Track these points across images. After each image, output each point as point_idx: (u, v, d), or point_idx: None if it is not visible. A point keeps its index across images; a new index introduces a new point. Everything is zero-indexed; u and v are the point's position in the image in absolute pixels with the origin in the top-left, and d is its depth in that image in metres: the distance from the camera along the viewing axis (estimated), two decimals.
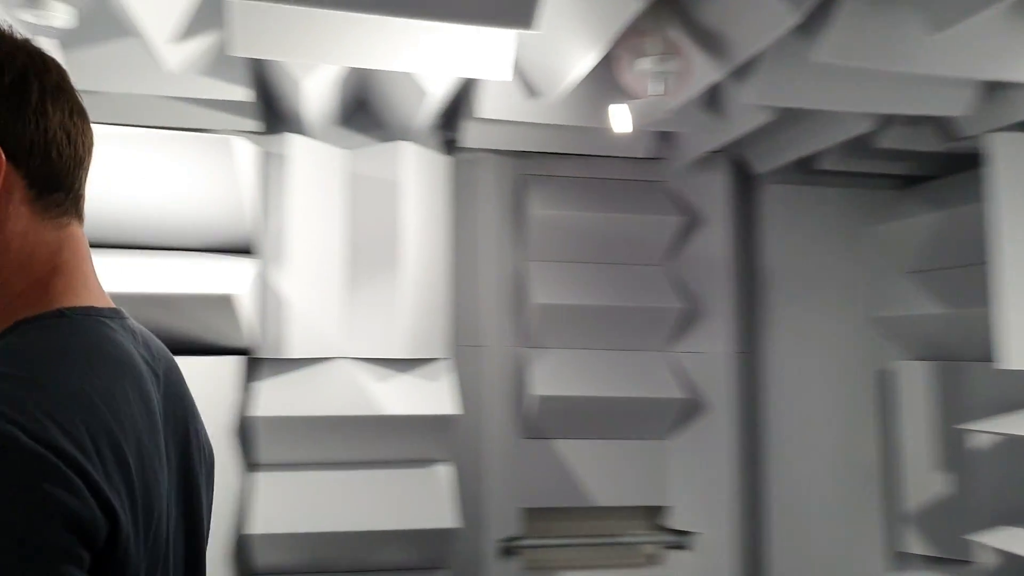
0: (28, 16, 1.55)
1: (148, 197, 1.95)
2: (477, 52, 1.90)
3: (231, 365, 2.13)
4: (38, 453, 0.59)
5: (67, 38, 1.79)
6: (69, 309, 0.74)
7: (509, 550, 2.65)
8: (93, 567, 0.62)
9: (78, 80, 1.86)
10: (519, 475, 2.66)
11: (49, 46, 1.57)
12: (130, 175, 1.87)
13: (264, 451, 2.19)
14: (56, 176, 0.76)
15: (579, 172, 2.76)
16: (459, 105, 2.44)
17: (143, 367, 0.77)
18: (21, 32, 0.75)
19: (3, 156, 0.71)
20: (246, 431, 2.16)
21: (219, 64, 2.03)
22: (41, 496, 0.58)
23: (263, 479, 2.19)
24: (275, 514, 2.14)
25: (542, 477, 2.70)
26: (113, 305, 0.80)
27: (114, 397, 0.69)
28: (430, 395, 2.31)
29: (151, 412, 0.75)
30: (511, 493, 2.64)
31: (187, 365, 1.84)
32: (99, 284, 0.81)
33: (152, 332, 1.42)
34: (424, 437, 2.30)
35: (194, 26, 1.82)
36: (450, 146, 2.57)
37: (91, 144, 0.82)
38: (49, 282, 0.75)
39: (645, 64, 1.89)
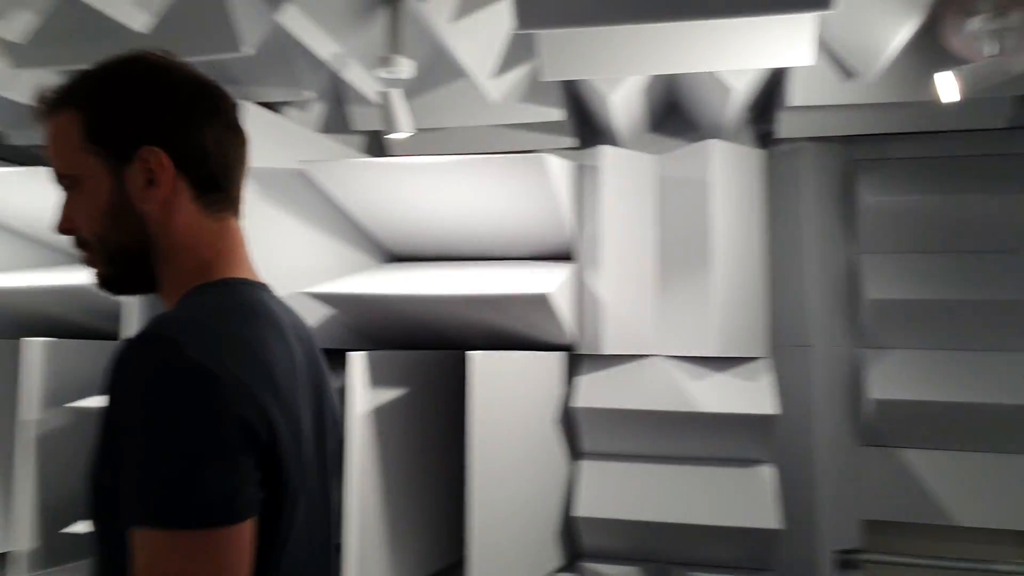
0: (382, 73, 1.91)
1: (479, 215, 2.24)
2: (776, 41, 1.85)
3: (556, 360, 2.34)
4: (215, 374, 0.82)
5: (411, 86, 2.15)
6: (229, 279, 0.97)
7: (848, 563, 2.48)
8: (259, 462, 0.85)
9: (423, 120, 2.21)
10: (857, 484, 2.48)
11: (398, 95, 1.92)
12: (464, 198, 2.17)
13: (587, 440, 2.36)
14: (214, 180, 0.98)
15: (920, 152, 2.48)
16: (772, 96, 2.38)
17: (286, 326, 0.97)
18: (194, 65, 0.98)
19: (171, 164, 0.94)
20: (570, 421, 2.36)
21: (535, 90, 2.25)
22: (220, 403, 0.82)
23: (587, 466, 2.36)
24: (598, 499, 2.30)
25: (886, 488, 2.48)
26: (262, 281, 1.01)
27: (263, 341, 0.90)
28: (747, 394, 2.28)
29: (293, 361, 0.95)
30: (848, 503, 2.47)
31: (519, 359, 2.08)
32: (251, 264, 1.02)
33: (485, 329, 1.71)
34: (742, 436, 2.27)
35: (509, 60, 2.06)
36: (767, 139, 2.51)
37: (243, 155, 1.03)
38: (212, 261, 0.98)
39: (976, 24, 1.66)
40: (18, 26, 1.67)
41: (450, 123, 2.32)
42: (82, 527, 2.05)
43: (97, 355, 2.22)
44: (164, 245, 0.96)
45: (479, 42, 1.89)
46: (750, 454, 2.30)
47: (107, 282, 1.00)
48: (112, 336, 2.16)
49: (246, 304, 0.94)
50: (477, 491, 1.88)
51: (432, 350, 2.25)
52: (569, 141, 2.51)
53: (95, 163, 0.94)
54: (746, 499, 2.25)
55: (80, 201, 0.97)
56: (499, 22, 1.84)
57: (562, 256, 2.39)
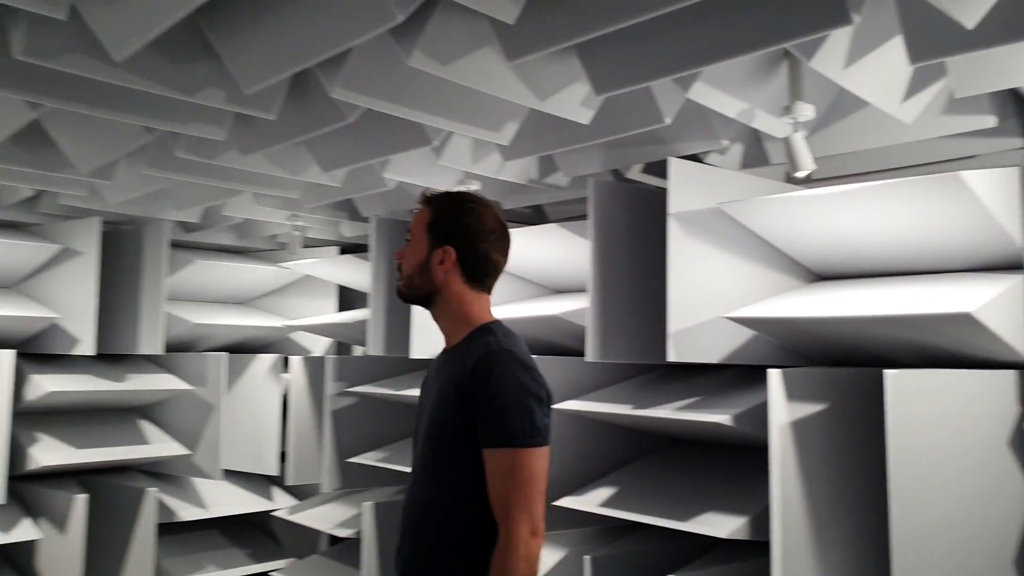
0: (786, 119, 2.10)
1: (902, 234, 2.24)
2: None
3: (1003, 379, 2.20)
4: (532, 365, 1.66)
5: (825, 115, 2.29)
6: (498, 320, 1.76)
7: None
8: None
9: (827, 148, 2.35)
10: None
11: (799, 138, 2.09)
12: (882, 220, 2.20)
13: None
14: (477, 275, 1.76)
15: None
16: None
17: None
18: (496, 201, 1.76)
19: (455, 258, 1.72)
20: None
21: (956, 102, 2.18)
22: (538, 379, 1.65)
23: None
24: None
25: None
26: None
27: (530, 354, 1.69)
28: None
29: None
30: None
31: (948, 378, 2.07)
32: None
33: (913, 346, 2.15)
34: None
35: (916, 84, 2.06)
36: None
37: (500, 266, 1.78)
38: (476, 313, 1.75)
39: None
40: (507, 133, 2.31)
41: (863, 146, 2.37)
42: None
43: (568, 367, 2.81)
44: (443, 296, 1.75)
45: (879, 78, 1.96)
46: None
47: (402, 295, 1.80)
48: (579, 352, 2.71)
49: (514, 332, 1.74)
50: (898, 511, 1.93)
51: (854, 367, 2.33)
52: (1016, 142, 2.33)
53: (425, 238, 1.75)
54: None
55: (410, 249, 1.78)
56: (895, 54, 1.89)
57: (1012, 265, 2.24)
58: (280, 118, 2.20)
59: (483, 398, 1.59)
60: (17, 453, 3.51)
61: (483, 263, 1.75)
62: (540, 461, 1.59)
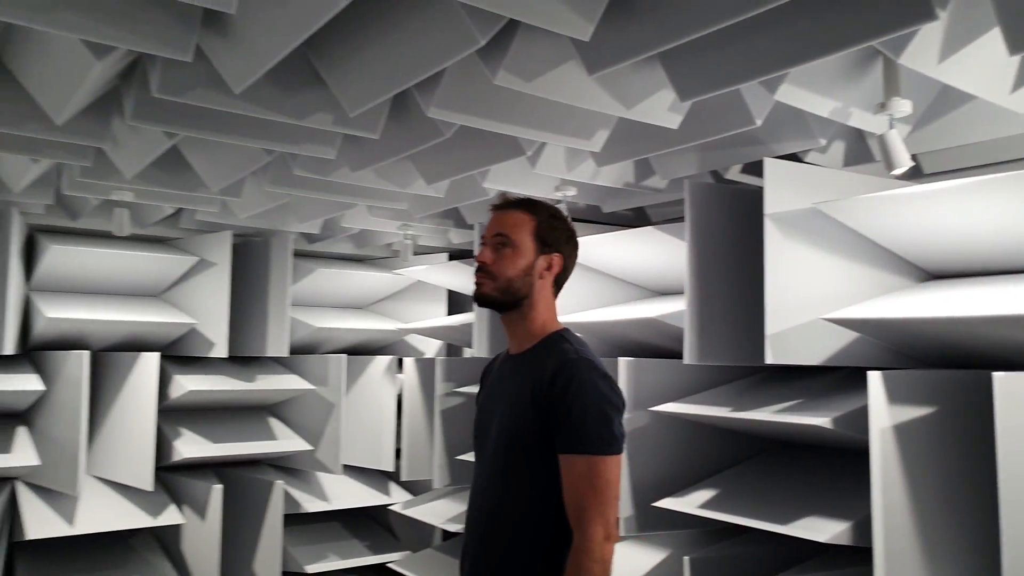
0: (882, 115, 2.04)
1: (1019, 229, 2.14)
2: None
3: None
4: (608, 374, 1.69)
5: (930, 109, 2.22)
6: (568, 327, 1.82)
7: None
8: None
9: (935, 143, 2.27)
10: None
11: (893, 136, 2.03)
12: (998, 215, 2.10)
13: None
14: (560, 283, 1.84)
15: None
16: None
17: None
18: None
19: (561, 263, 1.81)
20: None
21: None
22: (616, 388, 1.69)
23: None
24: None
25: None
26: None
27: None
28: None
29: None
30: None
31: None
32: None
33: None
34: None
35: None
36: None
37: (573, 268, 1.87)
38: (553, 322, 1.82)
39: None
40: (598, 141, 2.37)
41: (981, 137, 2.26)
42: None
43: (668, 369, 2.83)
44: (531, 302, 1.79)
45: (982, 70, 1.88)
46: None
47: (487, 299, 1.77)
48: (677, 355, 2.73)
49: (583, 340, 1.79)
50: (1009, 519, 1.85)
51: (961, 369, 2.24)
52: None
53: (531, 244, 1.78)
54: None
55: (507, 255, 1.76)
56: (996, 46, 1.81)
57: None
58: (383, 137, 2.36)
59: (563, 406, 1.62)
60: (163, 445, 3.88)
61: (569, 272, 1.86)
62: (615, 468, 1.63)
